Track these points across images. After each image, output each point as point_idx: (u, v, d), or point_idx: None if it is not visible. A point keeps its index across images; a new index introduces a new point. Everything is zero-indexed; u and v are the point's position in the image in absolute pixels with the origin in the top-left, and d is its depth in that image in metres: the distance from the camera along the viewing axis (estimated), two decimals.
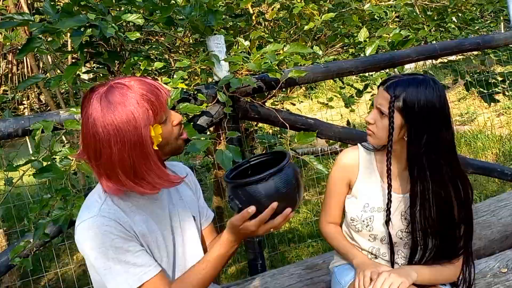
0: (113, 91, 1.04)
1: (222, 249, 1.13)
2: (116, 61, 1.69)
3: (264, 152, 1.35)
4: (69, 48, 2.55)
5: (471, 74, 3.23)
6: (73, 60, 2.73)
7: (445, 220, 1.30)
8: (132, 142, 1.02)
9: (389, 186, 1.33)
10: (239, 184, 1.09)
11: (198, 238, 1.26)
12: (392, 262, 1.41)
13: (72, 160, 1.68)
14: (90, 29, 1.50)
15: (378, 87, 1.37)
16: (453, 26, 3.30)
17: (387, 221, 1.35)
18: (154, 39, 2.69)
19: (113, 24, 1.48)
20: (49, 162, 1.64)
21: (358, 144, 1.49)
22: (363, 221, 1.41)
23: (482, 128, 6.41)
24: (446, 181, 1.29)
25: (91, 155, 1.05)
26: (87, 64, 2.09)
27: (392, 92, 1.29)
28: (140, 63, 1.70)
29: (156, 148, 1.06)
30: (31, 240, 1.59)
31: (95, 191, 1.15)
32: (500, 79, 3.03)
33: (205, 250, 1.30)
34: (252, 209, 1.05)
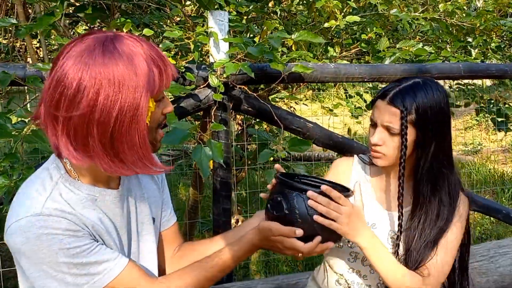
0: (122, 39, 0.81)
1: (241, 251, 0.98)
2: (97, 20, 1.45)
3: (318, 177, 1.20)
4: None
5: (485, 102, 3.05)
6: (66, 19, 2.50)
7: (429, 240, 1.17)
8: (126, 102, 0.78)
9: (400, 207, 1.17)
10: (300, 188, 0.99)
11: (155, 248, 1.04)
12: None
13: (28, 124, 1.46)
14: None
15: (375, 101, 1.18)
16: (477, 50, 3.10)
17: (397, 242, 1.19)
18: (154, 6, 2.45)
19: None
20: None
21: (355, 155, 1.35)
22: None
23: (485, 161, 6.24)
24: (444, 197, 1.18)
25: (60, 105, 0.78)
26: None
27: (401, 105, 1.11)
28: (123, 23, 1.46)
29: (147, 122, 0.83)
30: None
31: (40, 175, 0.90)
32: None
33: (161, 259, 1.08)
34: (299, 231, 0.95)
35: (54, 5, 1.67)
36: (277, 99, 3.47)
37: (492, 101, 3.01)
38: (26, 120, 1.44)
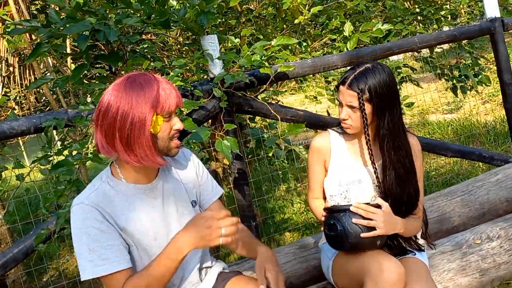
0: (141, 75, 1.25)
1: (169, 247, 1.26)
2: (117, 62, 1.83)
3: (350, 203, 1.64)
4: (68, 51, 2.68)
5: (447, 67, 3.40)
6: (72, 62, 2.87)
7: (405, 182, 1.56)
8: (135, 116, 1.19)
9: (373, 163, 1.55)
10: (344, 209, 1.49)
11: None
12: None
13: (83, 154, 1.83)
14: (94, 33, 1.64)
15: (338, 86, 1.55)
16: (431, 19, 3.47)
17: (379, 186, 1.58)
18: (147, 38, 2.83)
19: (115, 28, 1.62)
20: (62, 157, 1.78)
21: (328, 129, 1.71)
22: (341, 194, 1.62)
23: (468, 115, 6.58)
24: (403, 149, 1.55)
25: (98, 117, 1.23)
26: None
27: (356, 88, 1.48)
28: (141, 62, 1.84)
29: (151, 131, 1.22)
30: (50, 227, 1.73)
31: (101, 173, 1.35)
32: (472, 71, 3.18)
33: None
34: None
35: (64, 58, 2.04)
36: (266, 98, 3.84)
37: (453, 65, 3.37)
38: (83, 152, 1.81)
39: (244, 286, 1.39)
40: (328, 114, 3.20)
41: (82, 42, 1.63)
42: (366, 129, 1.51)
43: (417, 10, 3.54)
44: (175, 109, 1.26)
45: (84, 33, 1.63)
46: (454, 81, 3.16)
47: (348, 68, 1.61)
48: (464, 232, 2.00)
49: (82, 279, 1.23)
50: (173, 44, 3.31)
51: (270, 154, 2.03)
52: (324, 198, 1.73)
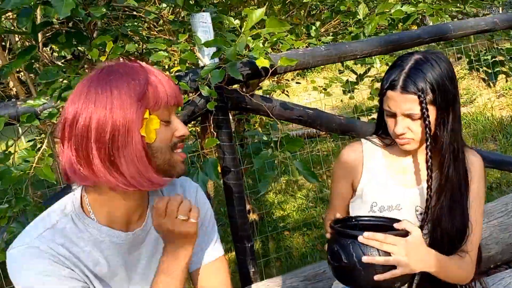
0: (121, 64, 0.90)
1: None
2: (77, 44, 1.41)
3: (373, 215, 1.22)
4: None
5: (476, 55, 3.01)
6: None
7: (456, 209, 1.19)
8: (117, 119, 0.84)
9: (430, 186, 1.16)
10: (352, 235, 1.03)
11: None
12: None
13: (32, 163, 1.43)
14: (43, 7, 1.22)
15: (385, 91, 1.16)
16: None
17: (422, 226, 1.19)
18: (139, 16, 2.39)
19: (71, 0, 1.20)
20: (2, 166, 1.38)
21: (362, 140, 1.33)
22: None
23: (482, 109, 6.23)
24: (462, 164, 1.20)
25: (66, 127, 0.87)
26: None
27: (416, 89, 1.10)
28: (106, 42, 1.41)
29: (144, 136, 0.86)
30: None
31: (62, 202, 0.95)
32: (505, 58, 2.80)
33: None
34: None
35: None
36: (268, 91, 3.44)
37: (484, 52, 2.97)
38: (30, 159, 1.41)
39: None
40: (356, 110, 2.73)
41: (24, 19, 1.21)
42: (429, 141, 1.13)
43: None
44: (174, 105, 0.91)
45: (27, 6, 1.20)
46: (484, 69, 2.75)
47: (386, 67, 1.21)
48: (503, 274, 1.61)
49: None
50: (165, 24, 2.89)
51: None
52: None
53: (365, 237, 1.02)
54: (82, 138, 0.84)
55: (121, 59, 0.97)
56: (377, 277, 1.01)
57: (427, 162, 1.14)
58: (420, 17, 3.11)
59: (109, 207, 0.93)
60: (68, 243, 0.89)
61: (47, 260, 0.86)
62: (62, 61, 2.11)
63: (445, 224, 1.18)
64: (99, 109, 0.83)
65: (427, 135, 1.12)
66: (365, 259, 1.01)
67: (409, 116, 1.13)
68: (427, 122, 1.10)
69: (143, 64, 0.91)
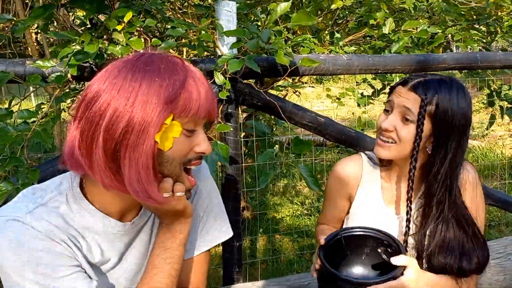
0: (162, 56, 0.80)
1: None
2: (99, 10, 1.37)
3: (357, 227, 1.14)
4: None
5: (497, 86, 2.96)
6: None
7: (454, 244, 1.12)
8: (136, 114, 0.75)
9: (409, 211, 1.11)
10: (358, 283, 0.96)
11: None
12: None
13: (32, 126, 1.39)
14: None
15: (395, 86, 1.12)
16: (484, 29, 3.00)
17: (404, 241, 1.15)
18: None
19: None
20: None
21: (361, 153, 1.27)
22: None
23: (493, 146, 6.16)
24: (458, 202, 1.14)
25: (79, 107, 0.79)
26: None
27: (423, 93, 1.06)
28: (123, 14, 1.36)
29: (158, 143, 0.77)
30: None
31: (63, 177, 0.87)
32: None
33: None
34: None
35: None
36: (280, 88, 3.39)
37: (503, 86, 2.91)
38: (30, 121, 1.38)
39: None
40: (359, 122, 2.71)
41: None
42: (415, 154, 1.08)
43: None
44: (204, 118, 0.81)
45: None
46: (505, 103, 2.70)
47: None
48: None
49: None
50: (189, 6, 2.84)
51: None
52: None
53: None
54: (92, 122, 0.76)
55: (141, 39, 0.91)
56: None
57: (409, 172, 1.10)
58: (445, 43, 3.07)
59: (106, 197, 0.86)
60: (61, 223, 0.82)
61: (40, 237, 0.79)
62: (82, 28, 2.07)
63: (437, 263, 1.13)
64: (121, 99, 0.75)
65: (416, 143, 1.07)
66: None
67: (403, 115, 1.09)
68: (419, 130, 1.06)
69: (186, 63, 0.82)
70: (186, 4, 2.65)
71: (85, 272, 0.84)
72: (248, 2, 2.47)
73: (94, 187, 0.85)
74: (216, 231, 1.04)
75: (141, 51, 0.84)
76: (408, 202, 1.11)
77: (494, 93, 2.76)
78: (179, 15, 2.77)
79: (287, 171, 5.15)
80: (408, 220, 1.12)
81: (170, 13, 2.73)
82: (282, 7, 1.48)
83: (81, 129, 0.77)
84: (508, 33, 3.11)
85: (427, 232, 1.14)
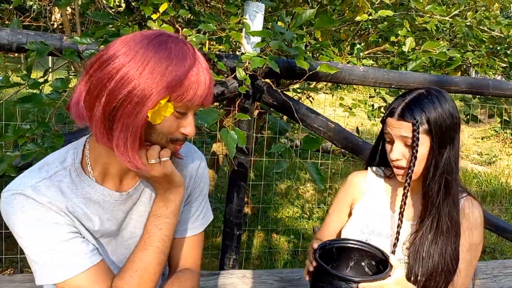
0: (178, 40, 0.87)
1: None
2: None
3: (354, 240, 1.21)
4: None
5: (508, 115, 3.00)
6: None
7: (448, 251, 1.19)
8: (139, 87, 0.82)
9: (401, 214, 1.18)
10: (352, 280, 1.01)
11: None
12: None
13: (62, 95, 1.49)
14: None
15: (385, 119, 1.20)
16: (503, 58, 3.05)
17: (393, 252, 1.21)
18: None
19: None
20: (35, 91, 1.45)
21: (368, 169, 1.37)
22: None
23: (498, 174, 6.16)
24: (454, 212, 1.20)
25: (93, 65, 0.86)
26: None
27: (412, 118, 1.14)
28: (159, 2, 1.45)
29: (148, 117, 0.84)
30: None
31: (65, 150, 0.96)
32: None
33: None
34: None
35: None
36: (298, 90, 3.47)
37: None
38: (61, 91, 1.47)
39: None
40: (358, 132, 2.80)
41: None
42: (410, 169, 1.16)
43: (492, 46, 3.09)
44: (197, 106, 0.90)
45: None
46: None
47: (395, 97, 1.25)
48: None
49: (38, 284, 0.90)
50: (219, 2, 2.93)
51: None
52: None
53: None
54: (100, 82, 0.83)
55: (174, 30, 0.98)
56: None
57: (404, 188, 1.17)
58: (465, 66, 3.12)
59: (104, 163, 0.94)
60: (62, 196, 0.91)
61: (41, 208, 0.88)
62: (112, 10, 2.17)
63: (423, 263, 1.19)
64: (131, 67, 0.82)
65: (412, 162, 1.15)
66: None
67: (404, 140, 1.16)
68: (414, 151, 1.13)
69: (197, 52, 0.89)
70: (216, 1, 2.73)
71: (84, 238, 0.94)
72: (275, 5, 2.56)
73: (94, 157, 0.94)
74: (209, 211, 1.15)
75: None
76: (400, 216, 1.18)
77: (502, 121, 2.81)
78: (206, 8, 2.87)
79: (292, 173, 5.22)
80: (398, 233, 1.19)
81: (199, 7, 2.82)
82: (308, 13, 1.57)
83: (90, 86, 0.85)
84: None
85: (417, 246, 1.20)
